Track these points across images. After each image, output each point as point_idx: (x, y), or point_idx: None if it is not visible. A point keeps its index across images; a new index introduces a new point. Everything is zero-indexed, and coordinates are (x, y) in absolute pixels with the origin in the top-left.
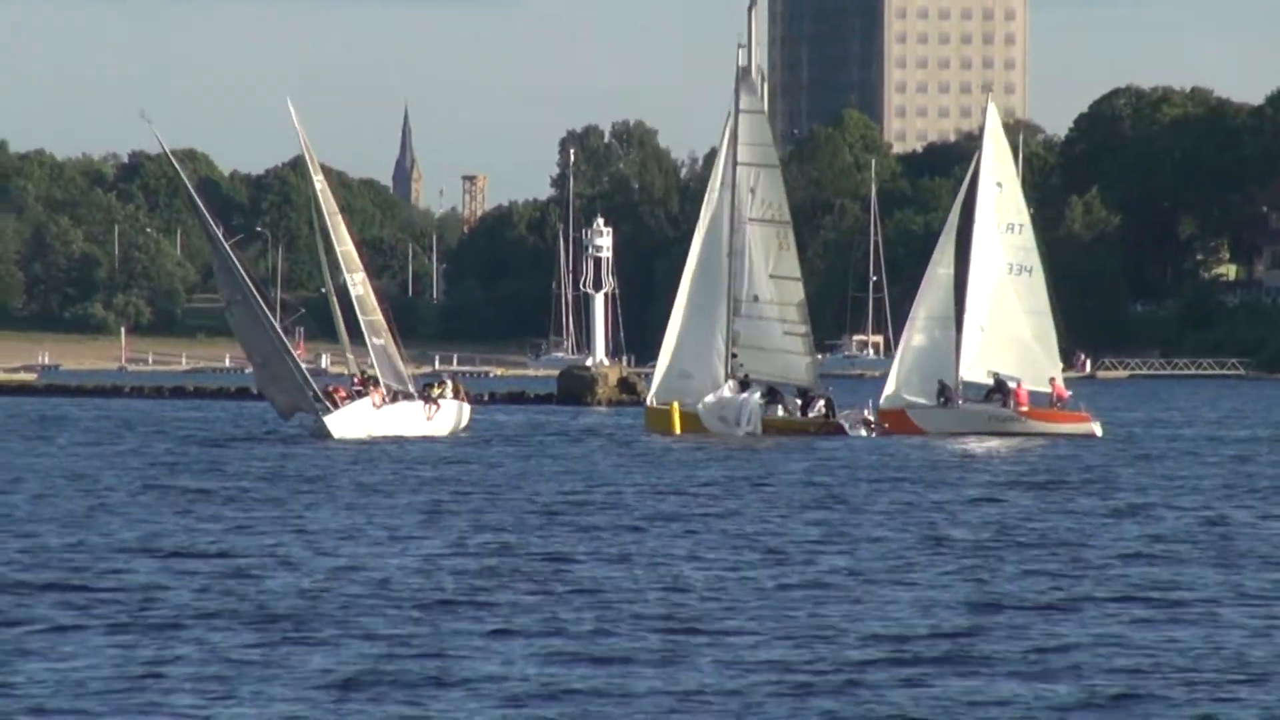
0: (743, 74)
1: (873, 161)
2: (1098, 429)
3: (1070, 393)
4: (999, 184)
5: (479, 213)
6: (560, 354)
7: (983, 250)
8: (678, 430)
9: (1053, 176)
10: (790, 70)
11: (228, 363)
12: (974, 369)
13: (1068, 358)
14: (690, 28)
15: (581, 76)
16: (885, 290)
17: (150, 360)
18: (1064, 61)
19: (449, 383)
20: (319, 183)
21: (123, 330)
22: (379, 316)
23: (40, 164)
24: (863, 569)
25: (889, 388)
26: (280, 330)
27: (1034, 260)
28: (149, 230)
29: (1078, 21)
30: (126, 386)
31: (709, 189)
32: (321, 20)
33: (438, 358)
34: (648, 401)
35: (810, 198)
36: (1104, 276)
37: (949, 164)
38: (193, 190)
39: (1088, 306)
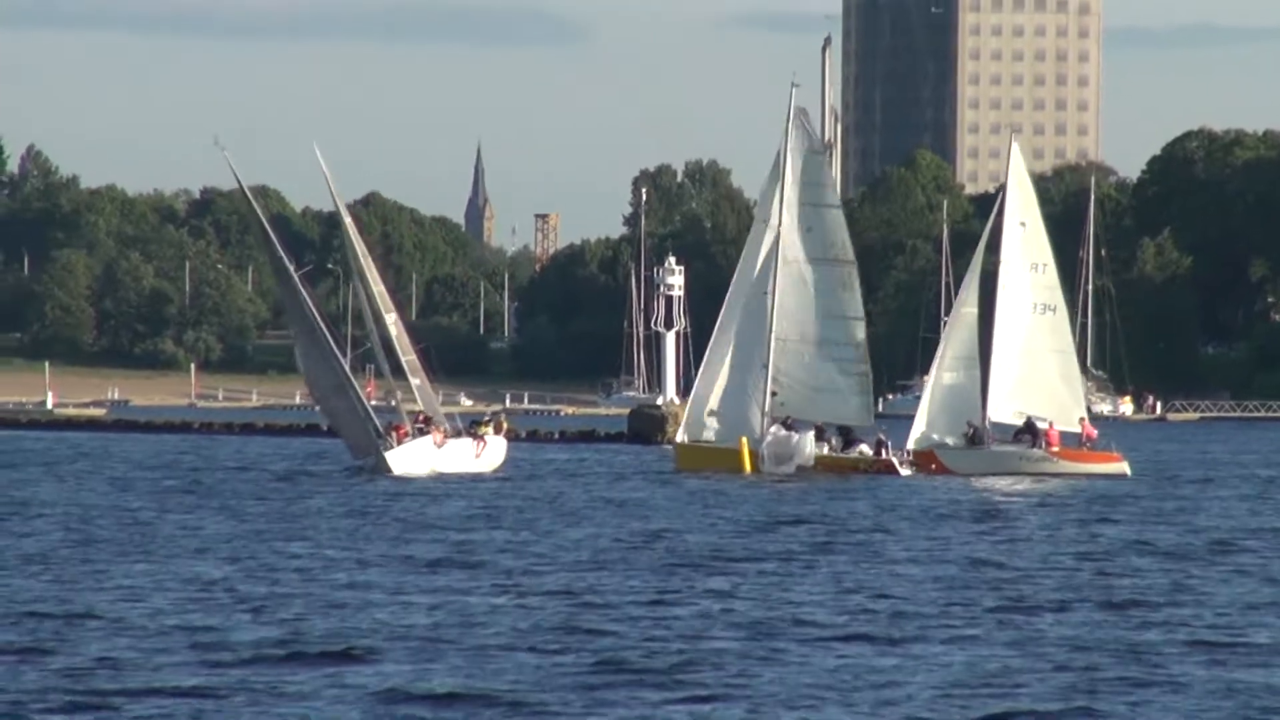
0: (800, 114)
1: (945, 202)
2: (1127, 468)
3: (1098, 432)
4: (1023, 223)
5: (551, 251)
6: (631, 393)
7: (1008, 290)
8: (748, 469)
9: (1125, 218)
10: (863, 110)
11: (298, 399)
12: (1002, 409)
13: (1137, 399)
14: (763, 67)
15: (654, 116)
16: None
17: (220, 396)
18: (1136, 103)
19: (492, 420)
20: (350, 227)
21: (193, 366)
22: (414, 356)
23: (111, 199)
24: (918, 614)
25: (917, 428)
26: (346, 366)
27: (1058, 299)
28: (220, 266)
29: (1150, 64)
30: (196, 422)
31: (754, 228)
32: (394, 59)
33: (509, 396)
34: (677, 439)
35: (882, 238)
36: (1175, 318)
37: None
38: (263, 218)
39: (1159, 348)
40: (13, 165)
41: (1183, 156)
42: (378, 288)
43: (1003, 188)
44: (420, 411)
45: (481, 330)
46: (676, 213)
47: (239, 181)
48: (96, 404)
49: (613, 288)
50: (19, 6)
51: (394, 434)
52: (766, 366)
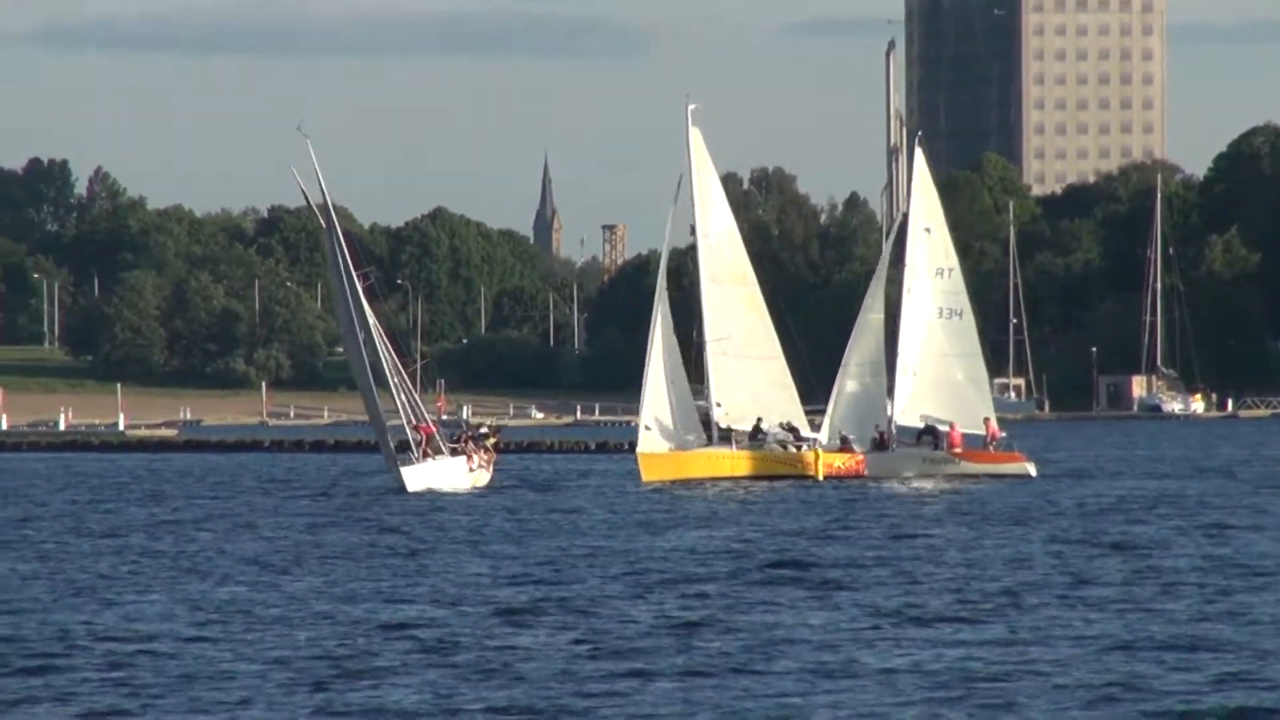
0: (697, 136)
1: (1011, 204)
2: (1032, 469)
3: (1004, 433)
4: (927, 229)
5: (619, 262)
6: (700, 402)
7: (913, 295)
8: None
9: (1192, 216)
10: (928, 115)
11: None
12: (907, 413)
13: (1205, 396)
14: (826, 73)
15: (718, 124)
16: (1025, 332)
17: (292, 414)
18: (1202, 100)
19: (495, 433)
20: (339, 237)
21: (264, 385)
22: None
23: (179, 220)
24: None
25: (823, 434)
26: (395, 379)
27: (964, 304)
28: (289, 284)
29: (1216, 60)
30: (266, 441)
31: (665, 246)
32: (460, 72)
33: (579, 407)
34: (639, 450)
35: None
36: (1244, 315)
37: (1089, 205)
38: (331, 210)
39: (1228, 345)
40: (80, 188)
41: (1249, 153)
42: (356, 301)
43: (907, 192)
44: (477, 426)
45: (551, 342)
46: (743, 220)
47: (315, 169)
48: (168, 424)
49: (681, 297)
50: (83, 30)
51: (420, 432)
52: (705, 378)
